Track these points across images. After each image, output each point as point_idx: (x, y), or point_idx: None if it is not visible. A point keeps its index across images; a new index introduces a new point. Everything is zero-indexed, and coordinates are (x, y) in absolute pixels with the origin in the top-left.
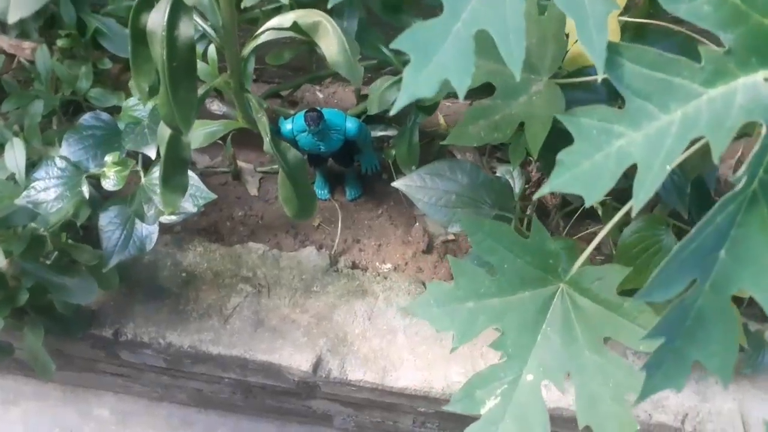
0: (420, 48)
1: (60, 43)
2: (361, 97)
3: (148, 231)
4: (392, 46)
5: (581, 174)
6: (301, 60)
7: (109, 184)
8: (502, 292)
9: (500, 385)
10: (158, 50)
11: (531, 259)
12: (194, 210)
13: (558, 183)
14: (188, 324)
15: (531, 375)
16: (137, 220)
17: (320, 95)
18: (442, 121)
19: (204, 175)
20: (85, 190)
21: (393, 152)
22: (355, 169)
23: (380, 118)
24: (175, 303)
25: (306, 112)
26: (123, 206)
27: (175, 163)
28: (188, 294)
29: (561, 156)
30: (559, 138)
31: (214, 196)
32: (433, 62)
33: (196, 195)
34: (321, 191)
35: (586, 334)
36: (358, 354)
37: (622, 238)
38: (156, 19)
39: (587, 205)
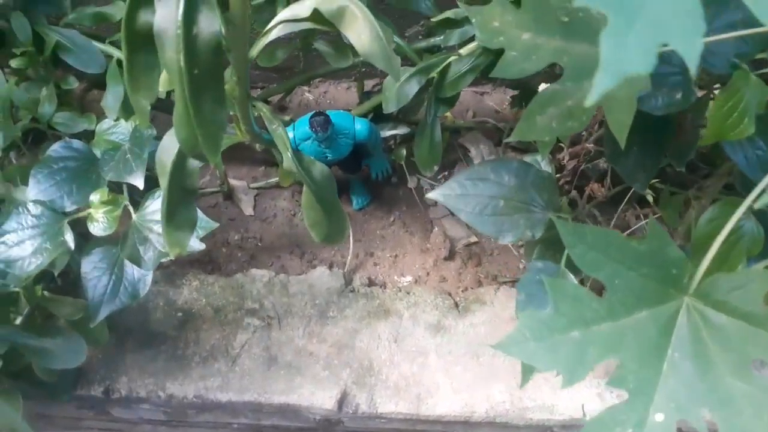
0: (621, 1)
1: (14, 63)
2: (364, 95)
3: (140, 274)
4: (577, 3)
5: None
6: (286, 60)
7: (98, 228)
8: (614, 315)
9: (623, 430)
10: (172, 56)
11: (648, 270)
12: (201, 247)
13: None
14: (190, 371)
15: (660, 414)
16: (126, 262)
17: (310, 96)
18: (447, 113)
19: None
20: (69, 239)
21: (403, 152)
22: (361, 175)
23: (387, 116)
24: (173, 348)
25: (311, 116)
26: (108, 247)
27: (181, 195)
28: (187, 336)
29: None
30: (637, 121)
31: (215, 224)
32: (643, 19)
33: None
34: None
35: (726, 357)
36: (388, 383)
37: (699, 227)
38: (166, 15)
39: None
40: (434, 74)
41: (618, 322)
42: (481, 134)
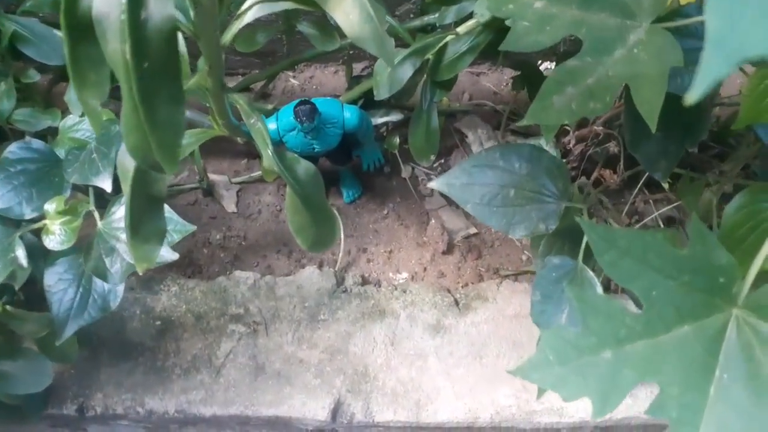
0: None
1: None
2: (353, 79)
3: (111, 284)
4: None
5: None
6: (268, 43)
7: (54, 241)
8: (652, 332)
9: None
10: (116, 46)
11: (690, 278)
12: (174, 257)
13: None
14: (171, 384)
15: None
16: None
17: (295, 82)
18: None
19: (168, 197)
20: (21, 255)
21: (396, 140)
22: (351, 167)
23: (379, 102)
24: (152, 360)
25: (296, 105)
26: (74, 257)
27: (146, 204)
28: (167, 346)
29: None
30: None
31: (193, 227)
32: None
33: (169, 230)
34: None
35: None
36: (385, 389)
37: (727, 215)
38: None
39: None
40: (429, 56)
41: (656, 340)
42: (478, 118)
